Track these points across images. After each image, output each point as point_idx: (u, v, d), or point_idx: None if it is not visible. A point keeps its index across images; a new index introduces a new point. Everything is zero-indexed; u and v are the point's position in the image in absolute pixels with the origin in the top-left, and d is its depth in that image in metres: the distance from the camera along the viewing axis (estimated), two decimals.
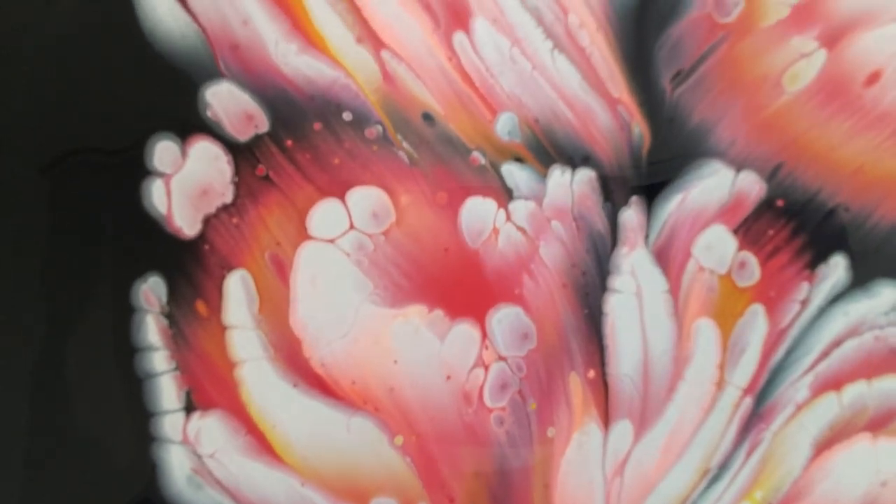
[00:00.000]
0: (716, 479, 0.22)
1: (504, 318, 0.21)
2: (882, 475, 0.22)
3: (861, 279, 0.22)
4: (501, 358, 0.21)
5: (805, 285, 0.22)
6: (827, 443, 0.22)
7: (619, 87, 0.21)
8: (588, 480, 0.21)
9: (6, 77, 0.19)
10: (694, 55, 0.21)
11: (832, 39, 0.22)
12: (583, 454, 0.21)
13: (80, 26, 0.19)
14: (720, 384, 0.21)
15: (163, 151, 0.19)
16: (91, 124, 0.19)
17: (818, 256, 0.22)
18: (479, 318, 0.21)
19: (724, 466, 0.22)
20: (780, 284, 0.22)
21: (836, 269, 0.22)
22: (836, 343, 0.22)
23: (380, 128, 0.20)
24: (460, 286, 0.21)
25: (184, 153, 0.19)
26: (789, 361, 0.22)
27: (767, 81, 0.21)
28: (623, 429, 0.21)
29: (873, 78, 0.22)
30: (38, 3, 0.19)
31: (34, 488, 0.20)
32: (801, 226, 0.22)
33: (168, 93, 0.19)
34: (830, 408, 0.22)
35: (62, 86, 0.19)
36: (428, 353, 0.20)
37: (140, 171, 0.19)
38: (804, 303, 0.22)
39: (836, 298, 0.22)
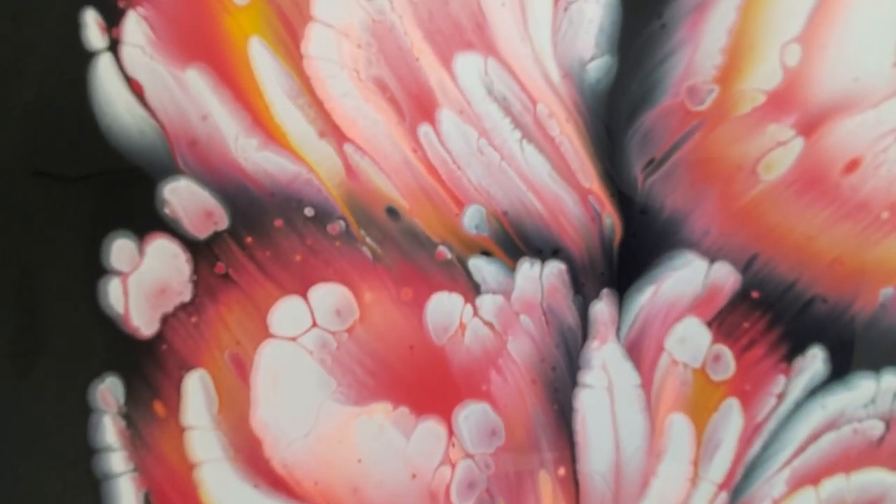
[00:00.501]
0: None
1: (471, 415, 0.20)
2: None
3: (839, 371, 0.21)
4: (468, 455, 0.20)
5: (781, 378, 0.21)
6: None
7: (589, 177, 0.20)
8: None
9: None
10: (666, 144, 0.21)
11: (810, 127, 0.21)
12: None
13: (36, 122, 0.19)
14: (695, 480, 0.21)
15: (120, 249, 0.19)
16: (47, 221, 0.19)
17: (795, 349, 0.21)
18: (446, 415, 0.20)
19: None
20: (756, 378, 0.21)
21: (814, 361, 0.21)
22: (814, 437, 0.21)
23: (342, 223, 0.20)
24: (426, 383, 0.20)
25: (141, 251, 0.19)
26: (766, 456, 0.21)
27: (742, 170, 0.21)
28: None
29: (852, 166, 0.21)
30: None
31: None
32: (777, 318, 0.21)
33: (125, 190, 0.19)
34: (808, 503, 0.21)
35: (17, 183, 0.19)
36: (393, 452, 0.20)
37: (97, 269, 0.19)
38: (780, 396, 0.21)
39: (814, 391, 0.21)
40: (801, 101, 0.21)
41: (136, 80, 0.19)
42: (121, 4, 0.19)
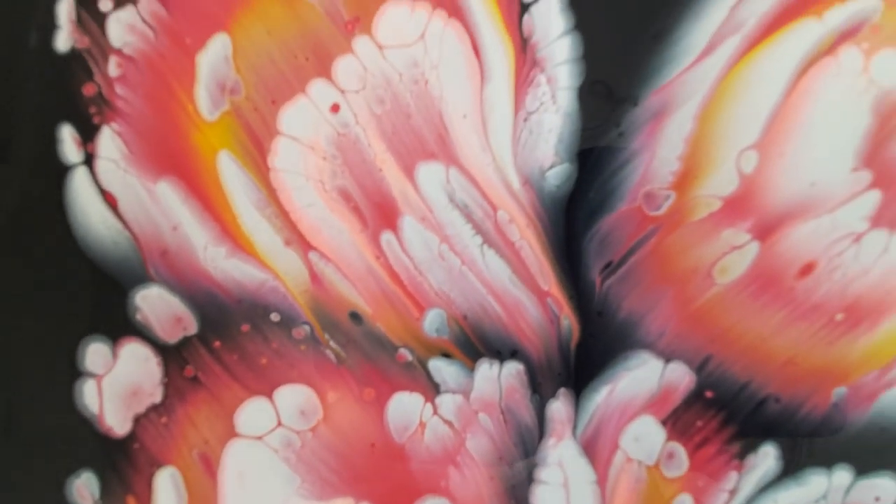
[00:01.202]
0: None
1: None
2: None
3: (791, 468, 0.22)
4: None
5: (734, 474, 0.22)
6: None
7: (548, 280, 0.21)
8: None
9: None
10: (623, 248, 0.21)
11: (765, 231, 0.22)
12: None
13: (15, 232, 0.20)
14: None
15: (94, 353, 0.20)
16: (23, 328, 0.20)
17: (748, 446, 0.22)
18: None
19: None
20: (709, 474, 0.22)
21: (766, 458, 0.22)
22: None
23: (307, 328, 0.20)
24: (387, 479, 0.21)
25: (115, 354, 0.20)
26: None
27: (697, 273, 0.21)
28: None
29: (806, 270, 0.22)
30: None
31: None
32: (730, 416, 0.22)
33: (99, 296, 0.20)
34: None
35: None
36: None
37: (73, 371, 0.20)
38: (733, 492, 0.22)
39: (766, 487, 0.22)
40: (757, 207, 0.22)
41: (110, 192, 0.20)
42: (95, 120, 0.20)
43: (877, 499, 0.22)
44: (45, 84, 0.20)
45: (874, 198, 0.22)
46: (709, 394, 0.22)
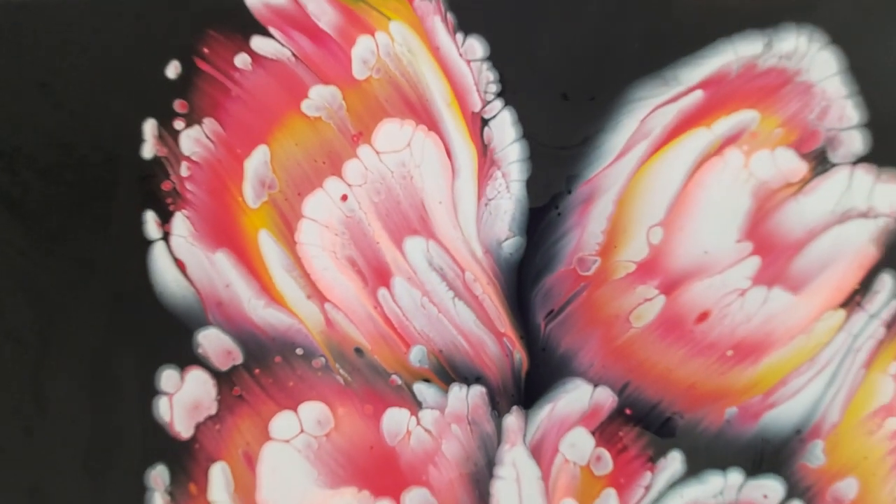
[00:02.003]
0: None
1: (415, 497, 0.28)
2: None
3: (693, 469, 0.28)
4: None
5: (648, 474, 0.28)
6: None
7: (504, 324, 0.28)
8: None
9: None
10: (562, 299, 0.28)
11: (669, 287, 0.28)
12: None
13: (109, 289, 0.27)
14: None
15: (167, 378, 0.27)
16: (118, 358, 0.27)
17: (659, 452, 0.28)
18: (396, 497, 0.28)
19: None
20: (629, 473, 0.28)
21: (674, 461, 0.28)
22: None
23: (323, 359, 0.27)
24: (382, 473, 0.28)
25: (182, 378, 0.27)
26: None
27: (618, 319, 0.28)
28: None
29: (702, 317, 0.28)
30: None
31: None
32: (645, 429, 0.28)
33: (171, 336, 0.27)
34: None
35: (102, 332, 0.27)
36: None
37: (152, 391, 0.27)
38: (647, 487, 0.28)
39: (674, 484, 0.28)
40: (663, 269, 0.28)
41: (180, 259, 0.27)
42: (171, 208, 0.27)
43: (765, 496, 0.29)
44: (136, 182, 0.27)
45: (755, 262, 0.28)
46: (628, 411, 0.28)
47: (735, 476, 0.28)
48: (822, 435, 0.28)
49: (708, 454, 0.28)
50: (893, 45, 0.28)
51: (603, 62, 0.28)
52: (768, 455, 0.28)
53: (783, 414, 0.28)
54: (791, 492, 0.28)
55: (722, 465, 0.28)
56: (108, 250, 0.27)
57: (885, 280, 0.28)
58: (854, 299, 0.28)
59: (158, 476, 0.27)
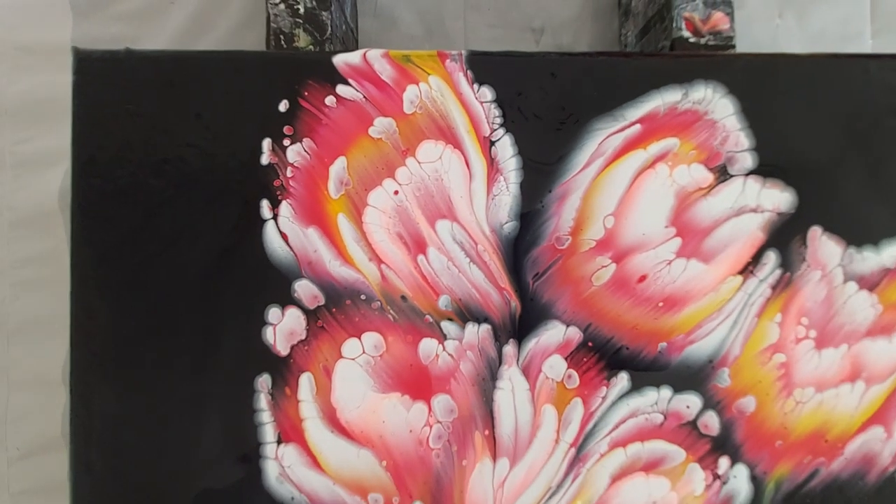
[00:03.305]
0: (553, 493, 0.40)
1: (441, 401, 0.40)
2: (653, 497, 0.40)
3: (637, 386, 0.40)
4: (438, 422, 0.40)
5: (604, 388, 0.40)
6: (618, 476, 0.40)
7: (504, 281, 0.40)
8: (483, 491, 0.39)
9: None
10: (544, 265, 0.40)
11: (619, 258, 0.40)
12: (481, 476, 0.40)
13: (237, 254, 0.40)
14: (557, 441, 0.40)
15: (272, 313, 0.39)
16: (238, 301, 0.40)
17: (612, 372, 0.40)
18: (427, 400, 0.40)
19: (558, 487, 0.40)
20: (591, 388, 0.40)
21: (623, 380, 0.40)
22: (623, 421, 0.40)
23: (379, 303, 0.40)
24: (417, 383, 0.40)
25: (283, 314, 0.40)
26: (596, 430, 0.40)
27: (584, 280, 0.40)
28: (504, 463, 0.40)
29: (642, 279, 0.40)
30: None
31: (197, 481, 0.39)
32: (602, 356, 0.40)
33: (276, 284, 0.40)
34: (620, 457, 0.40)
35: (219, 287, 0.40)
36: (400, 418, 0.39)
37: (262, 322, 0.39)
38: (604, 398, 0.40)
39: (623, 396, 0.40)
40: (614, 245, 0.40)
41: (284, 232, 0.40)
42: (280, 197, 0.40)
43: (687, 406, 0.40)
44: (257, 180, 0.40)
45: (677, 242, 0.40)
46: (590, 344, 0.40)
47: (666, 391, 0.40)
48: (728, 364, 0.40)
49: (646, 375, 0.40)
50: (772, 95, 0.41)
51: (573, 105, 0.41)
52: (690, 373, 0.40)
53: (699, 348, 0.40)
54: (706, 404, 0.40)
55: (657, 383, 0.40)
56: (238, 226, 0.40)
57: (770, 255, 0.40)
58: (748, 269, 0.40)
59: (264, 382, 0.39)
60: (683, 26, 0.46)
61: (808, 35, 0.61)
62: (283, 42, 0.45)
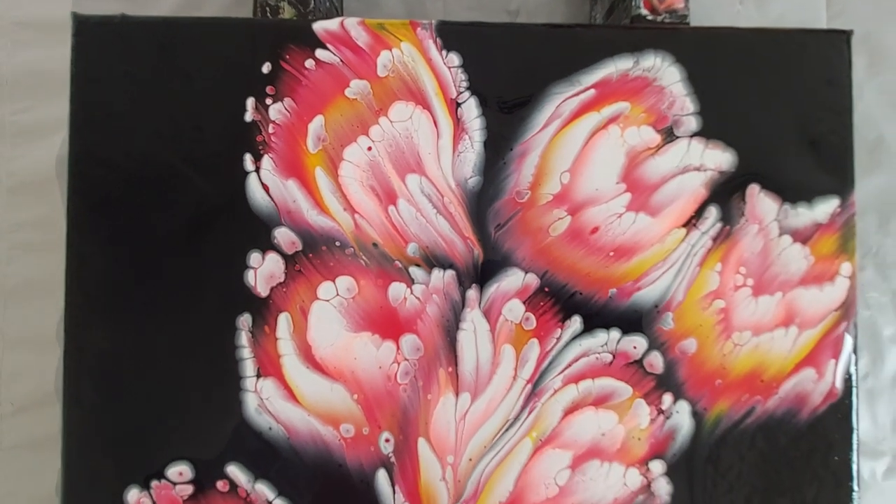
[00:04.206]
0: (511, 425, 0.43)
1: (408, 340, 0.43)
2: (601, 430, 0.43)
3: (589, 328, 0.43)
4: (406, 359, 0.43)
5: (559, 330, 0.43)
6: (570, 410, 0.43)
7: (468, 231, 0.44)
8: (447, 422, 0.43)
9: None
10: (505, 217, 0.44)
11: (573, 211, 0.44)
12: (445, 409, 0.43)
13: (218, 203, 0.43)
14: (515, 377, 0.43)
15: (254, 258, 0.43)
16: (216, 247, 0.43)
17: (566, 316, 0.43)
18: (396, 339, 0.43)
19: (515, 419, 0.43)
20: (547, 329, 0.43)
21: (576, 322, 0.43)
22: (576, 360, 0.43)
23: (352, 249, 0.43)
24: (387, 323, 0.43)
25: (263, 258, 0.43)
26: (551, 368, 0.43)
27: (541, 231, 0.44)
28: (465, 397, 0.43)
29: (594, 230, 0.44)
30: None
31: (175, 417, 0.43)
32: (557, 300, 0.43)
33: (257, 231, 0.43)
34: (572, 392, 0.43)
35: (198, 233, 0.43)
36: (370, 355, 0.43)
37: (243, 266, 0.43)
38: (559, 339, 0.43)
39: (575, 337, 0.43)
40: (570, 199, 0.44)
41: (265, 184, 0.43)
42: (262, 151, 0.43)
43: (634, 347, 0.44)
44: (241, 135, 0.43)
45: (627, 197, 0.44)
46: (546, 289, 0.44)
47: (615, 333, 0.44)
48: (672, 308, 0.44)
49: (598, 318, 0.44)
50: (715, 64, 0.45)
51: (534, 71, 0.44)
52: (635, 319, 0.44)
53: (646, 294, 0.44)
54: (651, 345, 0.44)
55: (607, 325, 0.44)
56: (222, 176, 0.43)
57: (711, 210, 0.44)
58: (691, 222, 0.44)
59: (245, 321, 0.43)
60: (642, 5, 0.50)
61: (768, 21, 0.65)
62: (269, 14, 0.49)
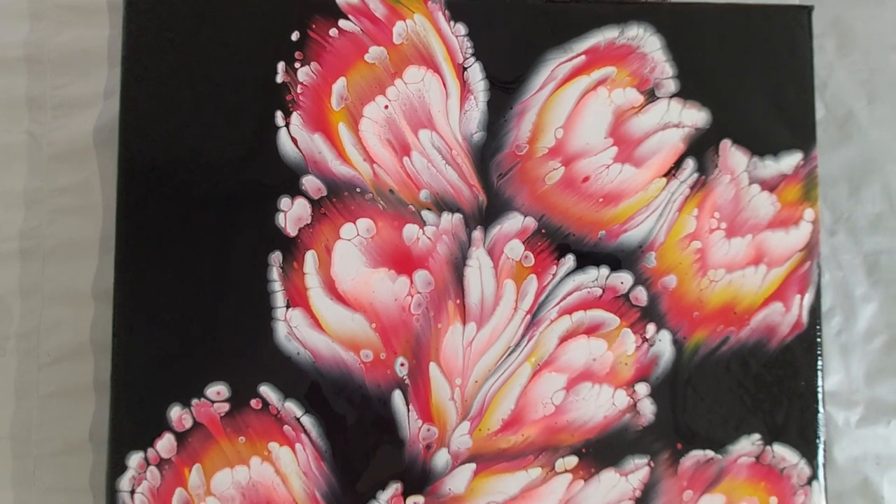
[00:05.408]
0: (512, 351, 0.48)
1: (421, 276, 0.48)
2: (592, 355, 0.49)
3: (581, 265, 0.49)
4: (418, 292, 0.48)
5: (554, 266, 0.49)
6: (565, 337, 0.48)
7: (474, 179, 0.49)
8: (455, 349, 0.48)
9: None
10: (506, 168, 0.49)
11: (567, 162, 0.50)
12: (453, 336, 0.48)
13: (251, 154, 0.49)
14: (515, 309, 0.48)
15: (283, 202, 0.48)
16: (244, 188, 0.48)
17: (561, 254, 0.49)
18: (409, 274, 0.48)
19: (516, 346, 0.48)
20: (543, 266, 0.49)
21: (569, 260, 0.49)
22: (570, 293, 0.49)
23: (371, 195, 0.49)
24: (402, 260, 0.48)
25: (292, 202, 0.48)
26: (548, 300, 0.49)
27: (538, 180, 0.49)
28: (471, 326, 0.48)
29: (585, 179, 0.49)
30: None
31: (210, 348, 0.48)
32: (552, 241, 0.49)
33: (287, 179, 0.48)
34: (566, 322, 0.49)
35: (228, 188, 0.49)
36: (387, 289, 0.48)
37: (274, 209, 0.48)
38: (554, 275, 0.49)
39: (569, 273, 0.49)
40: (564, 152, 0.50)
41: (294, 137, 0.49)
42: (291, 109, 0.49)
43: (622, 283, 0.49)
44: (273, 95, 0.49)
45: (614, 150, 0.50)
46: (543, 231, 0.49)
47: (604, 270, 0.49)
48: (654, 248, 0.49)
49: (589, 257, 0.49)
50: (692, 33, 0.51)
51: (531, 39, 0.50)
52: (623, 258, 0.49)
53: (632, 235, 0.49)
54: (636, 280, 0.49)
55: (597, 263, 0.49)
56: (257, 132, 0.49)
57: (688, 162, 0.50)
58: (671, 172, 0.50)
59: (276, 257, 0.48)
60: None
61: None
62: None
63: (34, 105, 0.66)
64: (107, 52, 0.65)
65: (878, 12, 0.71)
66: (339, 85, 0.49)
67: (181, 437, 0.47)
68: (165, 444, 0.47)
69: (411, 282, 0.48)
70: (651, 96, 0.49)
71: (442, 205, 0.48)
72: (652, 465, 0.48)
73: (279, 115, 0.49)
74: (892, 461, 0.66)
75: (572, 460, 0.48)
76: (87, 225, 0.66)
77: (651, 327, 0.48)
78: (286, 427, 0.47)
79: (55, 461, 0.64)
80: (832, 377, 0.67)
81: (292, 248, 0.47)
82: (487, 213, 0.49)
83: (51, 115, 0.67)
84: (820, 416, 0.49)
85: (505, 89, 0.48)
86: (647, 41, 0.50)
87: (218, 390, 0.47)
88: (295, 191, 0.48)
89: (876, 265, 0.69)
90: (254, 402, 0.47)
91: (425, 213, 0.48)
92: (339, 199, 0.48)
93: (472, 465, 0.47)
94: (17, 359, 0.65)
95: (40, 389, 0.66)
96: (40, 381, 0.66)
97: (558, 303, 0.48)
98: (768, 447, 0.48)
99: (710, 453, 0.48)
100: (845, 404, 0.67)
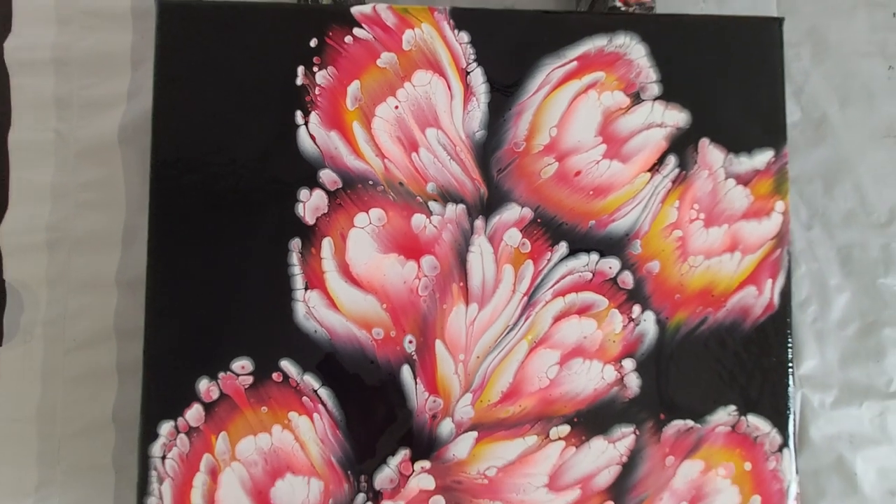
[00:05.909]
0: (510, 330, 0.53)
1: (427, 260, 0.53)
2: (584, 334, 0.53)
3: (573, 251, 0.54)
4: (425, 276, 0.53)
5: (549, 253, 0.54)
6: (558, 317, 0.53)
7: (476, 173, 0.54)
8: (458, 327, 0.53)
9: None
10: (505, 163, 0.54)
11: (561, 158, 0.54)
12: (457, 316, 0.53)
13: (272, 151, 0.53)
14: (514, 291, 0.53)
15: (302, 193, 0.53)
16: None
17: (555, 242, 0.54)
18: (417, 259, 0.53)
19: (514, 325, 0.53)
20: (539, 253, 0.54)
21: (562, 247, 0.54)
22: (562, 277, 0.53)
23: (382, 187, 0.53)
24: (410, 247, 0.53)
25: (310, 194, 0.53)
26: (543, 283, 0.53)
27: (535, 174, 0.54)
28: (474, 307, 0.53)
29: (577, 174, 0.54)
30: None
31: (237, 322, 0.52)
32: (547, 229, 0.54)
33: (305, 172, 0.53)
34: (560, 304, 0.53)
35: (251, 186, 0.53)
36: (397, 272, 0.53)
37: (293, 201, 0.53)
38: (549, 260, 0.54)
39: (562, 259, 0.54)
40: (558, 149, 0.54)
41: (312, 134, 0.53)
42: (309, 109, 0.54)
43: (610, 267, 0.54)
44: (293, 95, 0.54)
45: (603, 147, 0.54)
46: (539, 220, 0.54)
47: (594, 256, 0.54)
48: (640, 236, 0.54)
49: (580, 244, 0.54)
50: (673, 42, 0.56)
51: (528, 46, 0.55)
52: (613, 245, 0.54)
53: (619, 225, 0.53)
54: (623, 266, 0.54)
55: (587, 250, 0.54)
56: (279, 129, 0.54)
57: (670, 158, 0.55)
58: (654, 168, 0.55)
59: (295, 244, 0.53)
60: (617, 0, 0.61)
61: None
62: (309, 1, 0.59)
63: (61, 104, 0.71)
64: (130, 55, 0.70)
65: (850, 23, 0.76)
66: (354, 87, 0.54)
67: (209, 408, 0.51)
68: (194, 414, 0.51)
69: (419, 266, 0.53)
70: (637, 98, 0.54)
71: (447, 196, 0.53)
72: (637, 433, 0.52)
73: (299, 114, 0.53)
74: (864, 440, 0.71)
75: (565, 429, 0.52)
76: (110, 217, 0.71)
77: (637, 308, 0.52)
78: (305, 398, 0.51)
79: (79, 441, 0.69)
80: (808, 362, 0.72)
81: (310, 236, 0.52)
82: (488, 204, 0.53)
83: (77, 114, 0.71)
84: (790, 389, 0.54)
85: (504, 92, 0.53)
86: (633, 49, 0.55)
87: (242, 364, 0.51)
88: (313, 183, 0.52)
89: (849, 258, 0.74)
90: (275, 376, 0.52)
91: (432, 204, 0.53)
92: (353, 191, 0.53)
93: (474, 433, 0.52)
94: (43, 344, 0.69)
95: (65, 373, 0.70)
96: (66, 365, 0.70)
97: (552, 286, 0.53)
98: (743, 417, 0.53)
99: (690, 423, 0.53)
100: (820, 387, 0.72)
